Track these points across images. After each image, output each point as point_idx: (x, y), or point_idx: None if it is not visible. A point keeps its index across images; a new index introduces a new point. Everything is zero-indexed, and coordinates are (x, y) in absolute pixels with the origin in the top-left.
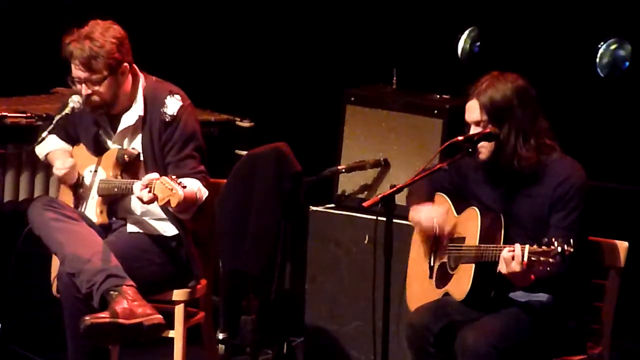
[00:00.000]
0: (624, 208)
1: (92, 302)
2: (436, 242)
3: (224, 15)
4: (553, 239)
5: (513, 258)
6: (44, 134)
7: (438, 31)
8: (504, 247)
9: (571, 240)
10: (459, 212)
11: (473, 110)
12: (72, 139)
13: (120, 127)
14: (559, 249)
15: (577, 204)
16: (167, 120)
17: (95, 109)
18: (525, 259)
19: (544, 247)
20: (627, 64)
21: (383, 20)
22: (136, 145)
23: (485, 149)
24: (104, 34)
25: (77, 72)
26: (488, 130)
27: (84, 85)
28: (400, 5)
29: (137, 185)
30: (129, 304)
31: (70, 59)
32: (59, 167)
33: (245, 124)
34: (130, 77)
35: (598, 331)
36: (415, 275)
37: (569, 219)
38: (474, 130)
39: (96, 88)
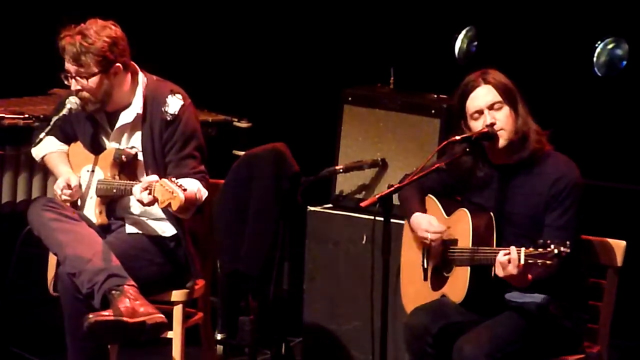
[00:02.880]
0: (621, 207)
1: (92, 302)
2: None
3: (222, 15)
4: (549, 241)
5: (509, 261)
6: (42, 135)
7: (435, 31)
8: (499, 250)
9: (567, 242)
10: (448, 213)
11: (487, 93)
12: (69, 139)
13: (118, 124)
14: (556, 251)
15: (572, 202)
16: (168, 119)
17: (87, 105)
18: (522, 261)
19: (540, 250)
20: (625, 63)
21: (380, 20)
22: (135, 142)
23: (505, 130)
24: (98, 32)
25: (68, 65)
26: (485, 129)
27: (73, 80)
28: (398, 5)
29: (137, 188)
30: (131, 303)
31: (62, 53)
32: (62, 189)
33: (243, 124)
34: (128, 76)
35: (596, 330)
36: (410, 277)
37: (564, 217)
38: (478, 120)
39: (84, 83)
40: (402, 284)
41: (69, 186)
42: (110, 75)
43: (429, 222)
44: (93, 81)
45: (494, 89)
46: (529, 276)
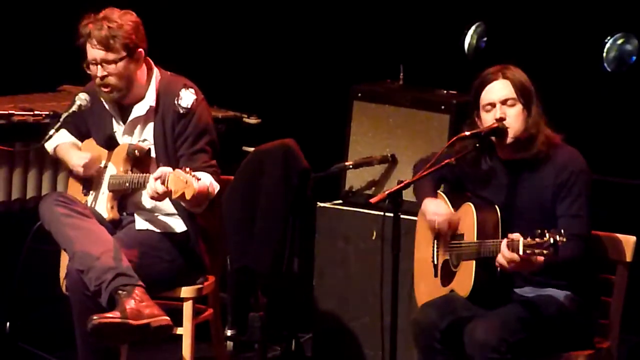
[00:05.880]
0: (632, 203)
1: (99, 300)
2: (438, 240)
3: (231, 12)
4: (545, 230)
5: (512, 251)
6: (52, 131)
7: (444, 27)
8: (501, 241)
9: (562, 230)
10: (456, 208)
11: (502, 88)
12: (81, 135)
13: (131, 117)
14: (552, 240)
15: (581, 189)
16: (181, 112)
17: (108, 92)
18: (521, 252)
19: (537, 239)
20: (634, 58)
21: (389, 16)
22: (147, 135)
23: (512, 128)
24: (121, 17)
25: (94, 51)
26: (495, 125)
27: (99, 66)
28: (407, 1)
29: (152, 178)
30: (137, 305)
31: (87, 40)
32: (80, 158)
33: (252, 120)
34: (144, 67)
35: (606, 326)
36: (422, 274)
37: (575, 205)
38: (489, 113)
39: (111, 68)
40: (415, 281)
41: (87, 159)
42: (134, 60)
43: (435, 208)
44: (120, 66)
45: (510, 85)
46: (539, 260)
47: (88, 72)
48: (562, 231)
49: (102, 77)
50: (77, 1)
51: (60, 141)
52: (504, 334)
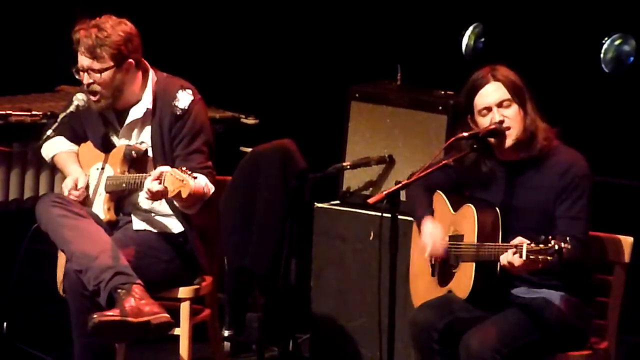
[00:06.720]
0: (629, 203)
1: (98, 299)
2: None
3: (229, 12)
4: (550, 237)
5: (515, 254)
6: (49, 132)
7: (442, 27)
8: (504, 245)
9: (568, 238)
10: (455, 209)
11: (496, 90)
12: (78, 138)
13: (128, 120)
14: (556, 247)
15: (582, 192)
16: (178, 113)
17: (97, 101)
18: (524, 257)
19: (541, 245)
20: (632, 59)
21: (387, 17)
22: (145, 138)
23: (514, 128)
24: (114, 26)
25: (81, 58)
26: (493, 126)
27: (85, 74)
28: (405, 1)
29: (148, 180)
30: (137, 302)
31: (76, 46)
32: (70, 189)
33: (250, 120)
34: (139, 74)
35: (604, 326)
36: (418, 273)
37: (575, 207)
38: (486, 117)
39: (97, 77)
40: (411, 280)
41: (76, 186)
42: (123, 70)
43: (433, 230)
44: (106, 75)
45: (503, 86)
46: (539, 265)
47: (77, 77)
48: (568, 238)
49: (88, 85)
50: (75, 2)
51: (57, 150)
52: (498, 345)
